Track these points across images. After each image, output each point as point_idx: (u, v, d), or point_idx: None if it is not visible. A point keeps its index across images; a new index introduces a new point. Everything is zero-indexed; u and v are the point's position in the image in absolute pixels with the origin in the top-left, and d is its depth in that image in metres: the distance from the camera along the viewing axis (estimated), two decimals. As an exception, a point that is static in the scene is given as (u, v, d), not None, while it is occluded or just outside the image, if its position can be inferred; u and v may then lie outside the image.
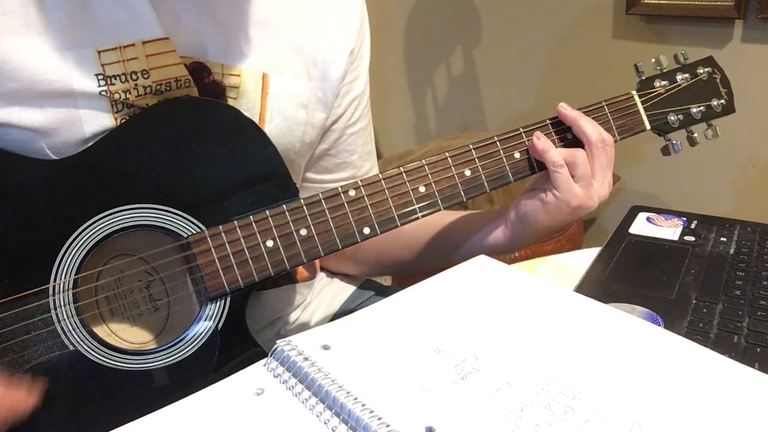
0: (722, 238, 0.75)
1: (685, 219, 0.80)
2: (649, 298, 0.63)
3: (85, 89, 0.56)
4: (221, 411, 0.42)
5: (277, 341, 0.47)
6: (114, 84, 0.57)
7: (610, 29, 1.68)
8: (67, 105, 0.56)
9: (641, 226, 0.80)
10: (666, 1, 1.54)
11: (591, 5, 1.70)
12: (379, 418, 0.39)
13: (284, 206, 0.59)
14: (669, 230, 0.78)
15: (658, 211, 0.83)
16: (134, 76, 0.57)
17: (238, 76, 0.63)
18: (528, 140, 0.67)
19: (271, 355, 0.46)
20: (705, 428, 0.39)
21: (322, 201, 0.60)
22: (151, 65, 0.58)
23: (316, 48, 0.67)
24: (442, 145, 1.75)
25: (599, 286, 0.67)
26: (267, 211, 0.58)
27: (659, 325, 0.58)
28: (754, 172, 1.54)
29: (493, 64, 1.98)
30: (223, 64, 0.62)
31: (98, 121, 0.57)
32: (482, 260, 0.59)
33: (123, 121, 0.58)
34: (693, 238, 0.75)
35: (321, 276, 0.89)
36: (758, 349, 0.55)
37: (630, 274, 0.69)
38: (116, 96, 0.57)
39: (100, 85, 0.56)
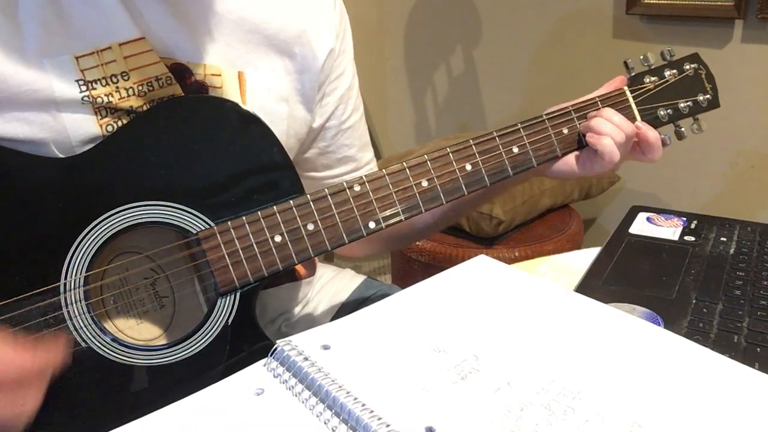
0: (722, 238, 0.75)
1: (685, 219, 0.80)
2: (649, 298, 0.63)
3: (66, 96, 0.56)
4: (221, 411, 0.42)
5: (277, 341, 0.47)
6: (95, 89, 0.57)
7: (610, 29, 1.68)
8: (50, 114, 0.56)
9: (641, 226, 0.80)
10: (666, 1, 1.54)
11: (591, 5, 1.70)
12: (379, 418, 0.39)
13: (291, 202, 0.59)
14: (669, 230, 0.78)
15: (658, 211, 0.83)
16: (114, 79, 0.58)
17: (219, 75, 0.63)
18: (527, 134, 0.69)
19: (271, 355, 0.46)
20: (705, 428, 0.39)
21: (328, 196, 0.60)
22: (130, 66, 0.58)
23: (293, 42, 0.67)
24: (441, 145, 1.75)
25: (599, 286, 0.67)
26: (274, 207, 0.59)
27: (659, 325, 0.58)
28: (755, 171, 1.54)
29: (493, 64, 1.98)
30: (204, 64, 0.62)
31: (83, 128, 0.57)
32: (482, 260, 0.60)
33: (108, 127, 0.58)
34: (693, 238, 0.75)
35: (321, 273, 0.89)
36: (758, 349, 0.55)
37: (630, 274, 0.69)
38: (99, 100, 0.57)
39: (81, 91, 0.56)
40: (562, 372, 0.44)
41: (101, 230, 0.55)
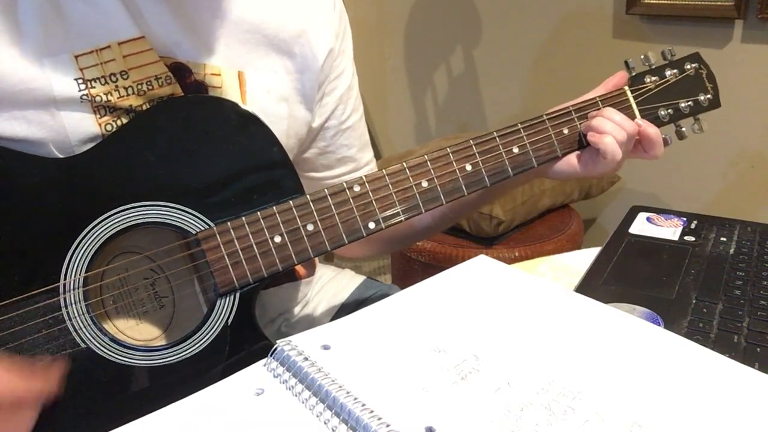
0: (722, 238, 0.75)
1: (685, 219, 0.80)
2: (649, 298, 0.63)
3: (65, 95, 0.56)
4: (221, 411, 0.42)
5: (277, 341, 0.47)
6: (94, 87, 0.57)
7: (610, 29, 1.68)
8: (49, 112, 0.56)
9: (641, 226, 0.80)
10: (666, 1, 1.54)
11: (591, 5, 1.70)
12: (379, 418, 0.39)
13: (291, 202, 0.59)
14: (669, 230, 0.78)
15: (658, 211, 0.83)
16: (113, 78, 0.58)
17: (219, 75, 0.63)
18: (527, 135, 0.69)
19: (271, 355, 0.46)
20: (705, 428, 0.39)
21: (328, 197, 0.60)
22: (129, 65, 0.58)
23: (293, 42, 0.67)
24: (442, 145, 1.75)
25: (599, 286, 0.67)
26: (274, 207, 0.59)
27: (659, 325, 0.58)
28: (755, 171, 1.54)
29: (493, 64, 1.98)
30: (205, 64, 0.62)
31: (82, 127, 0.57)
32: (482, 260, 0.60)
33: (107, 126, 0.58)
34: (693, 238, 0.75)
35: (321, 274, 0.89)
36: (758, 349, 0.55)
37: (630, 274, 0.69)
38: (98, 99, 0.57)
39: (80, 89, 0.56)
40: (562, 372, 0.44)
41: (101, 230, 0.55)
